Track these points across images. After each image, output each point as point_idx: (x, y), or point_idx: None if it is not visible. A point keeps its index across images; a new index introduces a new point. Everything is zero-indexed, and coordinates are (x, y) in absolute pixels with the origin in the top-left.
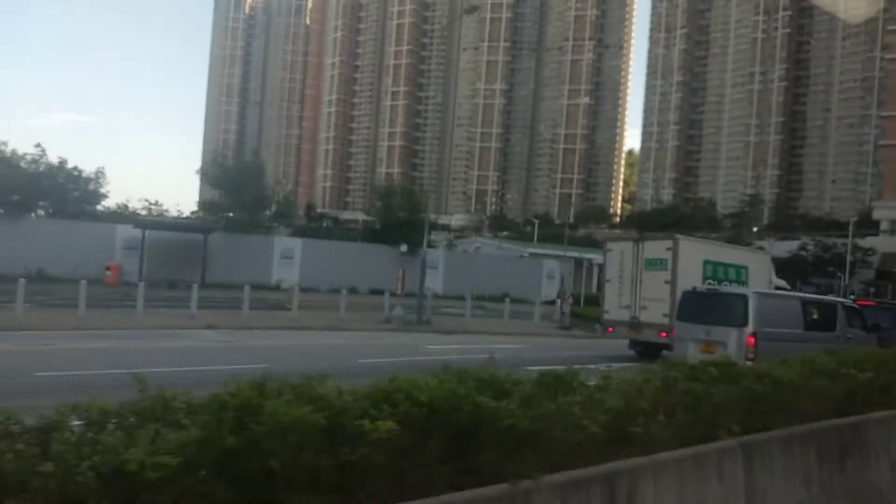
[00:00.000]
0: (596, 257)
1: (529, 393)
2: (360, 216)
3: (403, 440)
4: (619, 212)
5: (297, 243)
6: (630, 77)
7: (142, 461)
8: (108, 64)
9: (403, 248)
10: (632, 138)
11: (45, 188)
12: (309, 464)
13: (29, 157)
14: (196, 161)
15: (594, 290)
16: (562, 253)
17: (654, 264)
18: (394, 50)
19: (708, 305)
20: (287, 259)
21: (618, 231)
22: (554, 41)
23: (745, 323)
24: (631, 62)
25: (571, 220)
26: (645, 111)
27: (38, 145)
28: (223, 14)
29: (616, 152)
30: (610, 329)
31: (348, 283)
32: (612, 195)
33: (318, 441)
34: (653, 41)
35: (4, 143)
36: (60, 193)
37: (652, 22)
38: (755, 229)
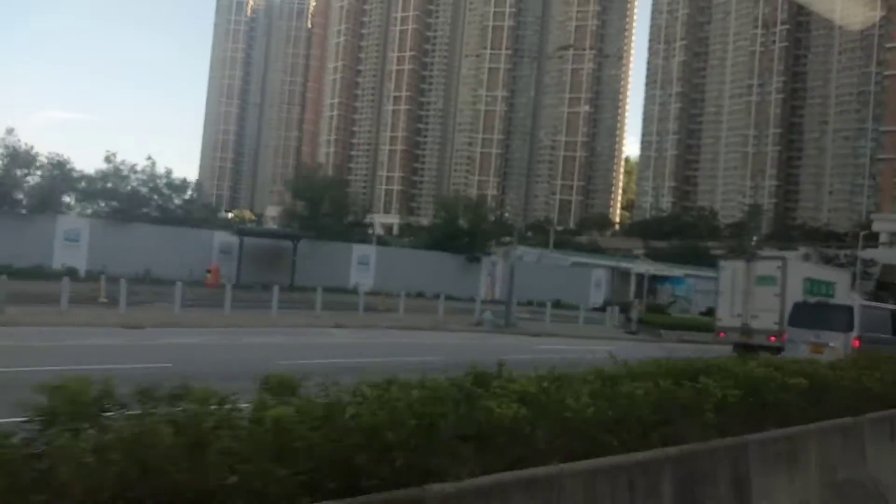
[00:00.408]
0: (634, 266)
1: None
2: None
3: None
4: (618, 218)
5: (372, 250)
6: (629, 86)
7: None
8: (108, 64)
9: (490, 255)
10: (630, 146)
11: (147, 197)
12: None
13: (139, 168)
14: (194, 160)
15: (630, 297)
16: (605, 262)
17: (765, 280)
18: (396, 55)
19: (817, 314)
20: (363, 265)
21: (620, 237)
22: (554, 50)
23: (850, 328)
24: (630, 72)
25: (573, 226)
26: (644, 120)
27: (149, 158)
28: (225, 16)
29: (615, 160)
30: (722, 334)
31: (418, 287)
32: (611, 202)
33: None
34: (652, 52)
35: (114, 156)
36: (164, 201)
37: (651, 33)
38: (754, 238)
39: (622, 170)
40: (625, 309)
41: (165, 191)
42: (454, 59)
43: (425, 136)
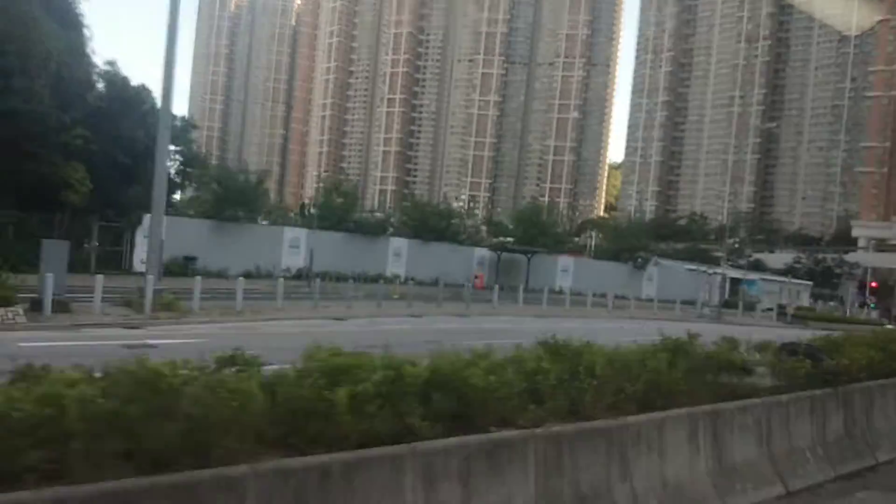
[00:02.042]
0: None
1: None
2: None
3: None
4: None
5: (570, 261)
6: (615, 94)
7: None
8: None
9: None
10: (615, 151)
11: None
12: None
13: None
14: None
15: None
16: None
17: None
18: (390, 58)
19: None
20: (564, 272)
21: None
22: (545, 57)
23: None
24: (616, 80)
25: (571, 228)
26: (630, 127)
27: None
28: (207, 11)
29: (600, 164)
30: None
31: (600, 290)
32: (596, 204)
33: None
34: (639, 62)
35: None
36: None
37: (639, 44)
38: (735, 241)
39: (607, 174)
40: (781, 308)
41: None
42: (447, 63)
43: (418, 138)
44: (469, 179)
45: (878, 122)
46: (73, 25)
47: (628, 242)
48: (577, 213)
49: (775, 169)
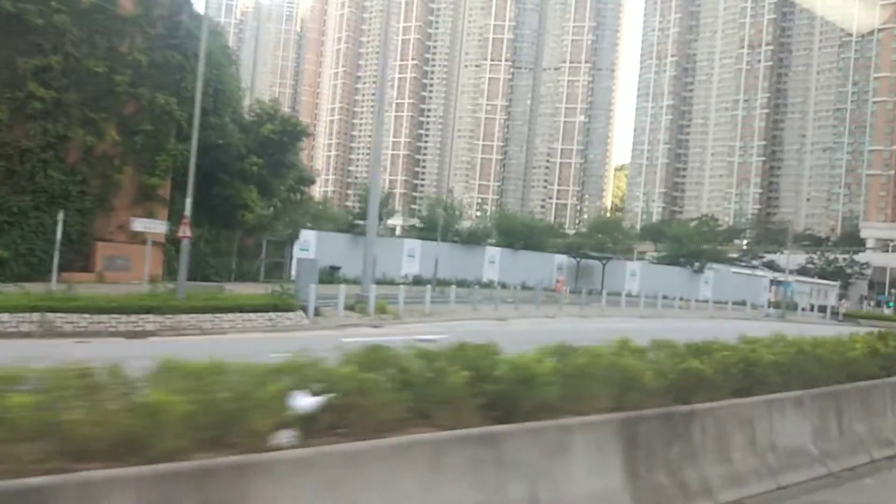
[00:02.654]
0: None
1: None
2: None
3: None
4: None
5: (638, 266)
6: (618, 97)
7: None
8: None
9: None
10: (620, 154)
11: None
12: None
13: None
14: None
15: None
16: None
17: None
18: (398, 64)
19: None
20: (633, 276)
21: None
22: (551, 62)
23: None
24: (619, 84)
25: (584, 230)
26: (635, 130)
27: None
28: (214, 17)
29: (606, 167)
30: None
31: (663, 293)
32: (602, 206)
33: None
34: (644, 67)
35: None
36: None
37: (643, 49)
38: (746, 242)
39: (612, 176)
40: (835, 307)
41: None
42: (454, 68)
43: (426, 142)
44: (477, 182)
45: (884, 125)
46: (232, 63)
47: (686, 248)
48: (585, 215)
49: (780, 171)
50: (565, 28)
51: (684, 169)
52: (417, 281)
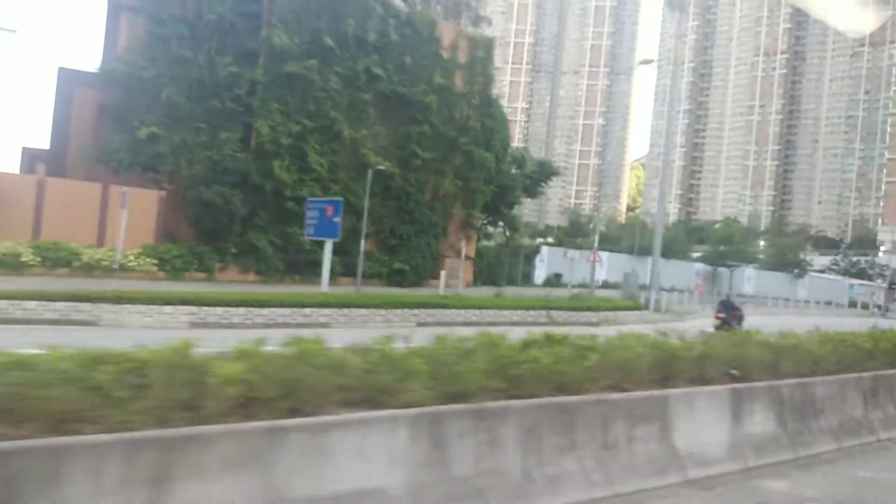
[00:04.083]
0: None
1: None
2: None
3: None
4: (623, 221)
5: (753, 272)
6: (633, 100)
7: None
8: None
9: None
10: (636, 156)
11: None
12: None
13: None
14: None
15: None
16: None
17: None
18: None
19: None
20: (749, 280)
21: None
22: (570, 66)
23: None
24: (636, 87)
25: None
26: (652, 134)
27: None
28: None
29: (623, 168)
30: None
31: (772, 295)
32: (619, 206)
33: None
34: (661, 72)
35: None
36: None
37: (660, 55)
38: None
39: (628, 177)
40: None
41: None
42: None
43: None
44: None
45: None
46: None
47: (787, 255)
48: (603, 215)
49: (793, 175)
50: (584, 33)
51: (700, 171)
52: (605, 285)
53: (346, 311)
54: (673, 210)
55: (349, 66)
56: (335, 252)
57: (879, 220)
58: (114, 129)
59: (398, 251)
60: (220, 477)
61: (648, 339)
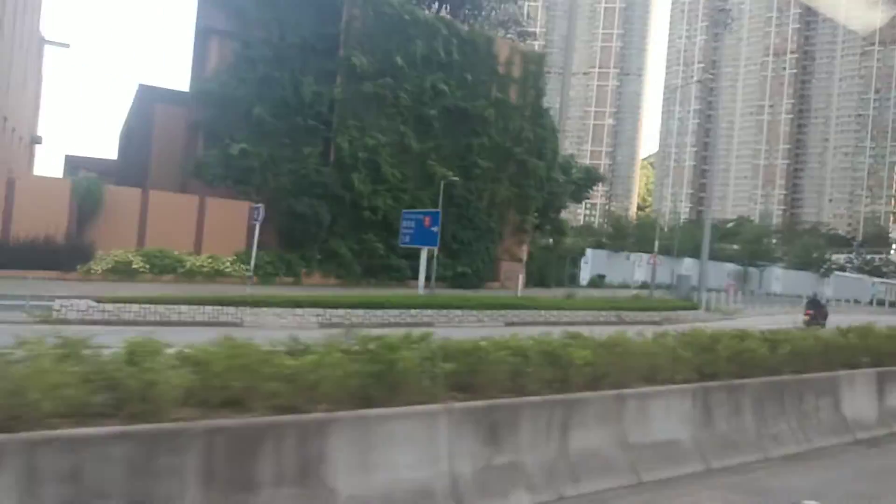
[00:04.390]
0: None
1: None
2: None
3: None
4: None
5: (781, 271)
6: (644, 100)
7: None
8: None
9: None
10: (645, 154)
11: None
12: None
13: None
14: None
15: None
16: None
17: None
18: None
19: None
20: (777, 280)
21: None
22: (580, 66)
23: None
24: (646, 87)
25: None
26: (662, 133)
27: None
28: None
29: (633, 167)
30: None
31: (796, 293)
32: (629, 205)
33: None
34: (670, 72)
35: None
36: None
37: (670, 56)
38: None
39: (638, 177)
40: None
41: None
42: None
43: None
44: None
45: None
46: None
47: (812, 254)
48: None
49: (803, 173)
50: (594, 34)
51: (710, 171)
52: (644, 286)
53: (444, 311)
54: (684, 209)
55: (417, 83)
56: (404, 256)
57: (891, 218)
58: (206, 144)
59: (460, 255)
60: (593, 427)
61: (814, 333)
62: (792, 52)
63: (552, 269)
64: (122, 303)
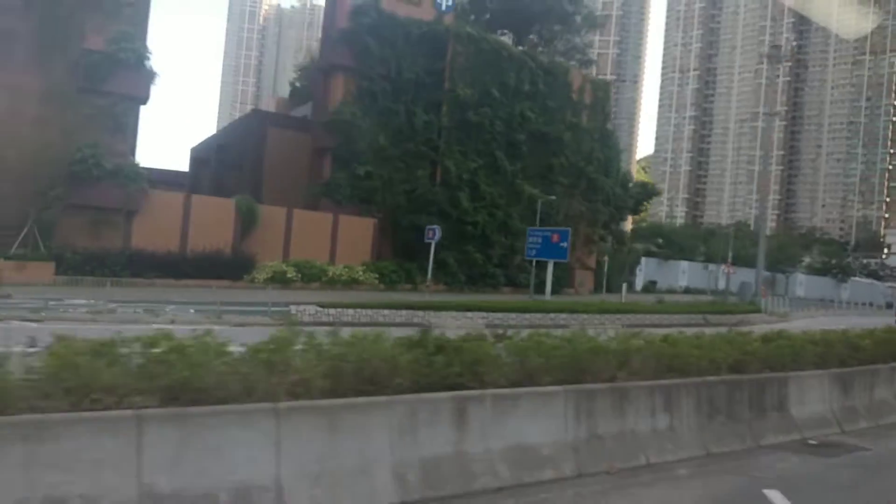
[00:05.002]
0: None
1: None
2: None
3: None
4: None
5: (804, 277)
6: (640, 107)
7: None
8: None
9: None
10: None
11: None
12: None
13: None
14: None
15: None
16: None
17: None
18: None
19: None
20: (800, 285)
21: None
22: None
23: None
24: (642, 94)
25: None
26: (657, 139)
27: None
28: (237, 24)
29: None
30: None
31: (817, 297)
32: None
33: None
34: (666, 79)
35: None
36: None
37: (665, 63)
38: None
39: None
40: None
41: None
42: None
43: None
44: None
45: None
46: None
47: (832, 261)
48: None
49: (797, 179)
50: (590, 41)
51: (705, 176)
52: (687, 291)
53: (573, 315)
54: (680, 213)
55: (508, 111)
56: (498, 265)
57: (882, 223)
58: (334, 167)
59: (541, 264)
60: (883, 386)
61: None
62: (786, 61)
63: (614, 275)
64: (340, 307)
